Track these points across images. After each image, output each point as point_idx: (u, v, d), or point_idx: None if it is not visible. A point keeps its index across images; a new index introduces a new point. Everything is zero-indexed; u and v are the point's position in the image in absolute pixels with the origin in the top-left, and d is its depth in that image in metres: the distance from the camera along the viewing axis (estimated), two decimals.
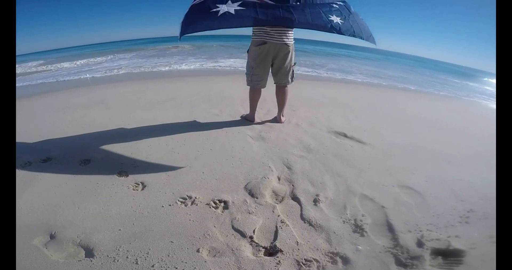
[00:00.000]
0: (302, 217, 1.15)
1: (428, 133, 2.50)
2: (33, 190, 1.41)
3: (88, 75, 6.35)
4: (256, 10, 1.70)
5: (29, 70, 10.60)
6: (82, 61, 12.00)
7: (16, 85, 5.96)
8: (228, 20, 1.65)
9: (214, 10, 1.68)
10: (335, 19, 1.76)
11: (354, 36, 1.78)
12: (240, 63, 7.84)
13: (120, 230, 1.10)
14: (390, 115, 3.11)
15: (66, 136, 2.12)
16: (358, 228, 1.10)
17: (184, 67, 7.41)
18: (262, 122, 2.30)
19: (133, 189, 1.39)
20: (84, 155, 1.75)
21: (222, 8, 1.69)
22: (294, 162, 1.60)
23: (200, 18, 1.71)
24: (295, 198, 1.27)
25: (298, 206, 1.22)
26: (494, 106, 6.01)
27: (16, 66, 13.47)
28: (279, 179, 1.43)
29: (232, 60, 8.61)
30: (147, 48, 18.26)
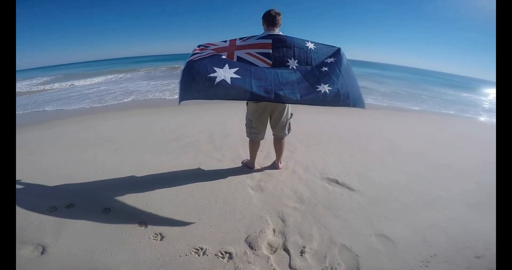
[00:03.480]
0: (290, 266, 1.66)
1: (417, 169, 3.07)
2: (66, 235, 1.93)
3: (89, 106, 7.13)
4: (251, 81, 1.98)
5: (35, 88, 12.24)
6: (87, 82, 14.14)
7: (21, 109, 6.79)
8: (224, 92, 1.93)
9: (211, 75, 1.93)
10: (323, 88, 2.02)
11: (339, 105, 2.06)
12: None
13: None
14: (385, 149, 3.69)
15: (83, 181, 2.70)
16: None
17: None
18: (262, 169, 2.85)
19: (153, 239, 1.90)
20: (104, 204, 2.29)
21: (219, 74, 1.94)
22: (288, 215, 2.12)
23: (197, 84, 1.94)
24: (286, 250, 1.78)
25: (288, 256, 1.73)
26: (487, 120, 6.79)
27: (20, 83, 15.84)
28: (274, 231, 1.95)
29: None
30: (151, 67, 21.56)
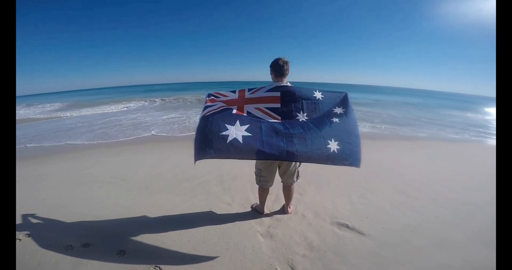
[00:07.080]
0: None
1: (428, 207, 3.23)
2: None
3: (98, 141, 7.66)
4: (262, 139, 2.06)
5: (45, 116, 14.28)
6: (98, 110, 15.92)
7: (30, 141, 7.32)
8: (236, 152, 2.01)
9: (223, 133, 2.05)
10: (333, 146, 2.11)
11: (339, 165, 2.12)
12: None
13: None
14: (395, 187, 3.85)
15: (97, 220, 2.97)
16: None
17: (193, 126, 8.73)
18: (271, 214, 3.03)
19: None
20: (119, 245, 2.49)
21: (231, 133, 2.05)
22: (297, 262, 2.27)
23: (211, 142, 2.05)
24: None
25: None
26: (491, 143, 7.23)
27: (33, 108, 17.44)
28: None
29: None
30: (163, 97, 24.25)
